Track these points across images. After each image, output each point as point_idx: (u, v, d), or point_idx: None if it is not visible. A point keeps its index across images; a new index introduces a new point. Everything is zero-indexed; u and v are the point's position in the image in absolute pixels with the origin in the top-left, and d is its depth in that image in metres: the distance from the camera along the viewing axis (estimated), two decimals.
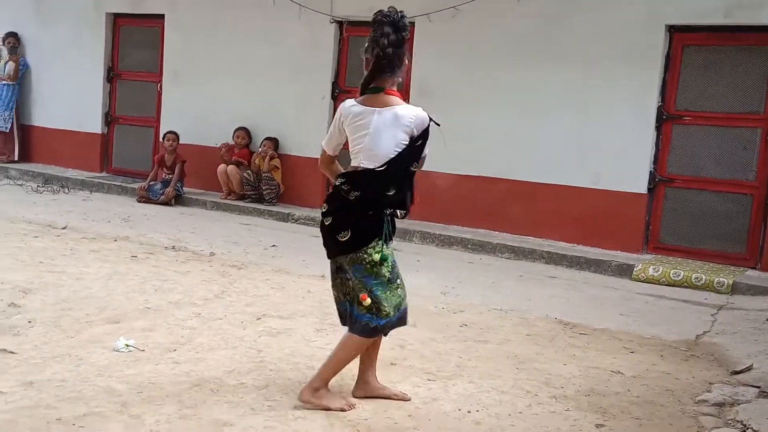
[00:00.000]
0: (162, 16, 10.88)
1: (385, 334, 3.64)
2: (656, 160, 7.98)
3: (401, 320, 3.63)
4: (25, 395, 3.42)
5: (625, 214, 8.02)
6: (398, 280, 3.58)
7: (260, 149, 9.79)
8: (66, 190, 10.42)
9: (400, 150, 3.42)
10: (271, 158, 9.67)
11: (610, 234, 8.05)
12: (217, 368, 3.96)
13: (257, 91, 10.10)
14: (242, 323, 4.82)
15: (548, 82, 8.36)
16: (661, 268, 7.21)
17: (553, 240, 8.30)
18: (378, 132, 3.42)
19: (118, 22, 11.43)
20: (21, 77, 11.90)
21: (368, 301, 3.46)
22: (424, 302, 5.75)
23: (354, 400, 3.67)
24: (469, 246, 8.24)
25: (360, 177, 3.47)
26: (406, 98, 9.11)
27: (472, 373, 4.26)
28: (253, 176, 9.78)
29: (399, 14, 3.45)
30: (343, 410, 3.54)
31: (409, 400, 3.77)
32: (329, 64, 9.58)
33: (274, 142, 9.81)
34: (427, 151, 3.55)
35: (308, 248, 7.64)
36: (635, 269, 7.30)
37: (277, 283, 5.96)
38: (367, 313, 3.49)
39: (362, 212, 3.45)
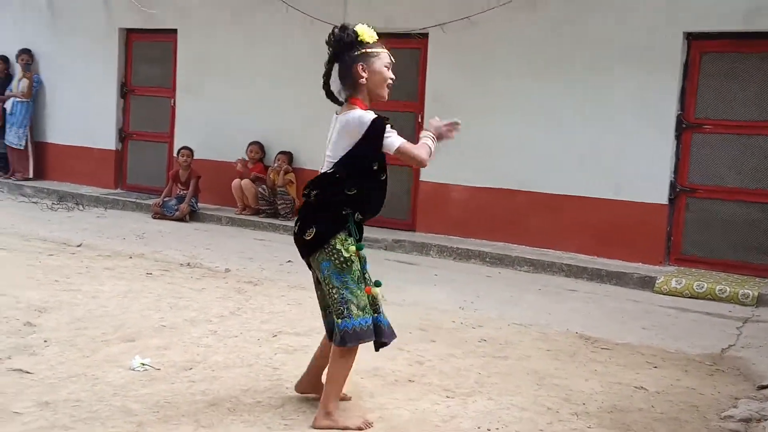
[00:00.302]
0: (174, 31, 10.91)
1: (370, 339, 3.52)
2: (676, 169, 7.88)
3: (382, 333, 3.52)
4: (41, 416, 3.37)
5: (646, 225, 7.90)
6: (363, 285, 3.50)
7: (275, 164, 9.76)
8: (80, 207, 10.42)
9: (345, 153, 3.47)
10: (286, 172, 9.63)
11: (631, 246, 7.94)
12: (233, 387, 3.90)
13: (270, 105, 10.08)
14: (258, 340, 4.75)
15: (565, 91, 8.29)
16: (683, 281, 7.09)
17: (572, 252, 8.20)
18: (332, 137, 3.56)
19: (131, 37, 11.47)
20: (35, 94, 11.95)
21: (373, 291, 3.50)
22: (442, 317, 5.68)
23: (371, 418, 3.59)
24: (488, 259, 8.15)
25: (318, 179, 3.56)
26: (420, 108, 9.19)
27: (492, 389, 4.17)
28: (268, 191, 9.74)
29: (336, 30, 3.52)
30: (360, 429, 3.47)
31: (350, 399, 3.77)
32: None
33: (288, 156, 9.78)
34: (390, 144, 3.49)
35: None
36: (657, 282, 7.19)
37: (294, 300, 5.89)
38: (340, 319, 3.44)
39: (324, 209, 3.51)
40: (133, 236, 8.43)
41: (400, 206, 9.43)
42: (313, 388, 3.78)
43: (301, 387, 3.82)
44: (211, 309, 5.43)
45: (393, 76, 3.62)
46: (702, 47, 7.77)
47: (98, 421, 3.36)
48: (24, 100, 11.79)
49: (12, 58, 12.08)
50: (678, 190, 7.88)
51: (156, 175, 11.17)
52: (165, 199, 9.98)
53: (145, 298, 5.61)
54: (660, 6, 7.82)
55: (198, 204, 10.07)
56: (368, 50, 3.52)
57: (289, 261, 7.51)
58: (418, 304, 6.10)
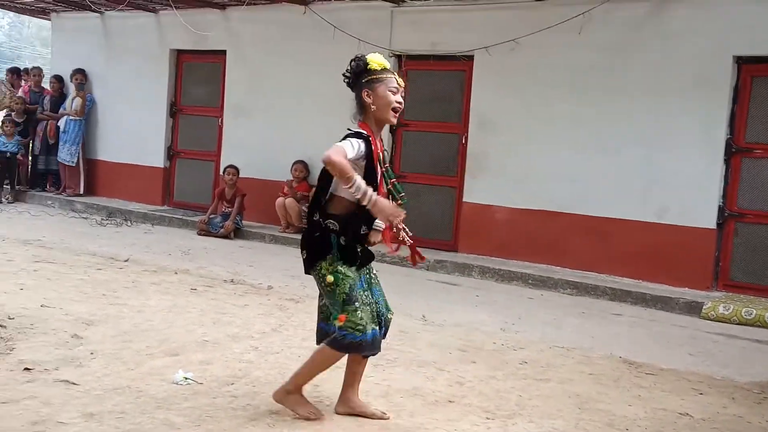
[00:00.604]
0: (224, 52, 11.11)
1: (358, 352, 3.66)
2: (725, 194, 7.76)
3: (372, 346, 3.62)
4: (86, 427, 3.43)
5: (693, 249, 7.78)
6: (357, 303, 3.58)
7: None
8: (129, 223, 10.63)
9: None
10: None
11: (678, 270, 7.81)
12: (274, 403, 3.91)
13: (315, 125, 10.18)
14: (299, 357, 4.77)
15: (612, 114, 8.23)
16: (732, 306, 6.95)
17: (617, 276, 8.10)
18: None
19: (181, 58, 11.72)
20: (87, 113, 12.25)
21: (342, 323, 3.55)
22: (483, 338, 5.64)
23: (319, 411, 3.75)
24: (530, 281, 8.09)
25: (311, 201, 3.76)
26: (464, 131, 9.20)
27: (533, 412, 4.13)
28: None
29: (351, 62, 3.73)
30: (308, 419, 3.67)
31: (388, 418, 3.80)
32: None
33: None
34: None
35: None
36: (704, 307, 7.05)
37: None
38: (335, 325, 3.59)
39: (310, 231, 3.66)
40: (179, 252, 8.56)
41: (443, 227, 9.43)
42: (351, 407, 3.83)
43: (340, 408, 3.87)
44: (253, 325, 5.48)
45: (400, 100, 3.67)
46: (752, 71, 7.66)
47: None
48: (77, 118, 12.09)
49: (66, 77, 12.42)
50: (726, 214, 7.74)
51: (202, 193, 11.35)
52: (210, 217, 10.12)
53: (189, 313, 5.68)
54: (710, 30, 7.74)
55: (242, 221, 10.19)
56: (374, 76, 3.65)
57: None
58: (460, 324, 6.07)
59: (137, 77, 11.94)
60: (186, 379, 4.12)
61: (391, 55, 9.53)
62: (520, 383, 4.63)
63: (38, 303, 5.50)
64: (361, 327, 3.55)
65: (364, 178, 3.51)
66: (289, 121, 10.44)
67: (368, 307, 3.65)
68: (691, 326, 6.70)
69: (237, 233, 10.04)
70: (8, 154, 11.90)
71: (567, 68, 8.50)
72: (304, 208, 9.83)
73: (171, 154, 11.83)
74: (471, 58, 9.09)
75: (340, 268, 3.59)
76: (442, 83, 9.51)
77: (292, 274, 7.73)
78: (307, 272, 3.72)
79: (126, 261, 7.64)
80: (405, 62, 9.62)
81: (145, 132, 11.87)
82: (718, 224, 7.75)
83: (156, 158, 11.83)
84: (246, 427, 3.58)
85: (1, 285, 5.98)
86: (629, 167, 8.15)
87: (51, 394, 3.78)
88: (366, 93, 3.65)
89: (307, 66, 10.31)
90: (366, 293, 3.69)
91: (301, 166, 10.08)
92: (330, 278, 3.57)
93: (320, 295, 3.76)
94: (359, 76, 3.69)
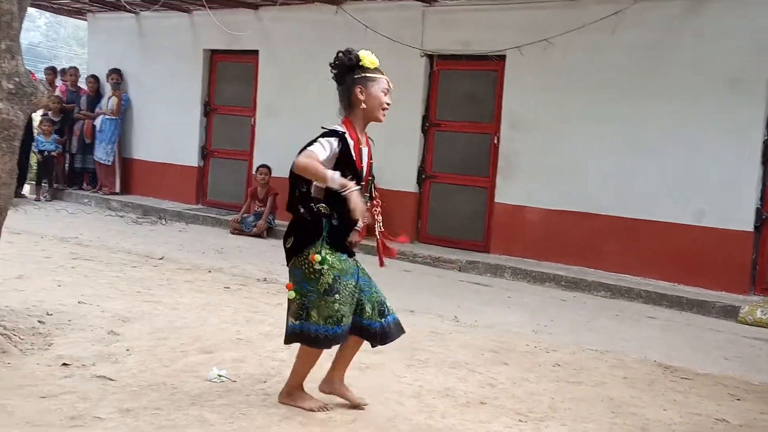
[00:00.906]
0: (256, 52, 11.19)
1: (327, 347, 3.72)
2: (763, 196, 7.63)
3: (339, 337, 3.66)
4: (122, 422, 3.48)
5: (730, 252, 7.67)
6: (337, 295, 3.61)
7: None
8: (163, 222, 10.75)
9: None
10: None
11: (714, 273, 7.71)
12: None
13: None
14: (331, 357, 4.79)
15: (647, 114, 8.15)
16: None
17: (652, 279, 8.01)
18: None
19: (214, 58, 11.82)
20: (123, 112, 12.40)
21: (292, 294, 3.64)
22: (515, 340, 5.62)
23: (326, 404, 3.83)
24: (563, 283, 8.04)
25: (300, 193, 3.75)
26: (496, 131, 9.15)
27: (565, 415, 4.10)
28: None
29: (340, 53, 3.76)
30: (312, 410, 3.75)
31: (364, 408, 3.87)
32: (419, 97, 9.61)
33: None
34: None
35: (398, 283, 7.61)
36: (741, 311, 6.95)
37: None
38: (296, 320, 3.65)
39: (301, 221, 3.68)
40: (213, 251, 8.64)
41: (474, 227, 9.40)
42: (333, 389, 3.93)
43: (323, 387, 3.96)
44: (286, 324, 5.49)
45: (389, 101, 3.73)
46: None
47: (176, 430, 3.44)
48: (113, 117, 12.24)
49: (102, 77, 12.59)
50: (764, 217, 7.62)
51: (235, 192, 11.43)
52: (243, 216, 10.20)
53: (222, 311, 5.73)
54: (746, 30, 7.63)
55: (275, 221, 10.25)
56: (368, 74, 3.69)
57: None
58: (491, 326, 6.05)
59: (171, 77, 12.06)
60: (220, 376, 4.17)
61: (422, 54, 9.52)
62: (553, 386, 4.60)
63: (76, 299, 5.59)
64: (336, 318, 3.60)
65: (341, 174, 3.54)
66: (320, 120, 10.39)
67: (349, 303, 3.67)
68: (728, 330, 6.61)
69: (270, 232, 10.10)
70: (46, 153, 12.09)
71: (600, 68, 8.43)
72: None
73: (205, 153, 11.93)
74: (503, 57, 9.05)
75: (328, 257, 3.61)
76: (473, 83, 9.48)
77: None
78: (289, 260, 3.71)
79: (160, 259, 7.73)
80: (436, 62, 9.61)
81: (180, 131, 11.99)
82: (756, 227, 7.63)
83: (190, 157, 11.94)
84: (279, 425, 3.60)
85: (39, 282, 6.08)
86: (664, 168, 8.06)
87: (88, 389, 3.84)
88: (359, 90, 3.68)
89: None
90: (353, 286, 3.69)
91: None
92: (317, 263, 3.57)
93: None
94: (351, 71, 3.71)
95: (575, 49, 8.49)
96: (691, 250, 7.87)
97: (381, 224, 3.89)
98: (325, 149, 3.55)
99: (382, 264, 3.92)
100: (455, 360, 4.94)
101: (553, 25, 8.55)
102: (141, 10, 12.25)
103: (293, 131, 10.94)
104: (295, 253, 3.68)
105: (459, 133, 9.53)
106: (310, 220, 3.64)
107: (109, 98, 12.35)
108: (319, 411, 3.77)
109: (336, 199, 3.55)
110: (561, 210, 8.68)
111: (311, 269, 3.61)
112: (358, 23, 9.85)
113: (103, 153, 12.24)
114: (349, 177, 3.54)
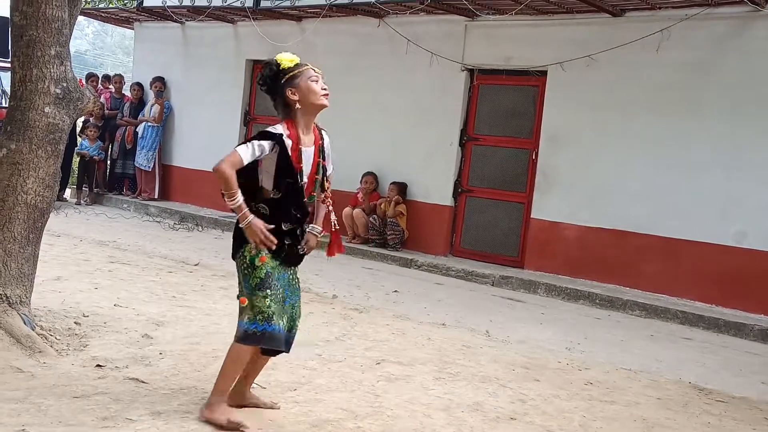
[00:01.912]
0: None
1: (267, 352, 3.67)
2: None
3: (277, 340, 3.56)
4: (152, 424, 3.51)
5: None
6: (268, 290, 3.53)
7: (388, 194, 9.89)
8: (200, 228, 10.87)
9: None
10: (397, 203, 9.74)
11: (753, 296, 7.56)
12: (335, 410, 3.95)
13: (386, 137, 10.24)
14: (361, 367, 4.80)
15: (689, 133, 8.05)
16: None
17: (689, 299, 7.89)
18: None
19: (256, 68, 11.94)
20: (165, 119, 12.59)
21: (246, 303, 3.55)
22: (548, 356, 5.56)
23: (242, 421, 3.55)
24: (597, 301, 7.95)
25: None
26: (535, 146, 9.10)
27: None
28: (378, 221, 9.87)
29: (260, 71, 3.76)
30: (222, 428, 3.50)
31: (278, 408, 3.82)
32: (458, 111, 9.61)
33: (399, 186, 9.88)
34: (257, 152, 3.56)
35: (430, 295, 7.60)
36: None
37: (398, 329, 5.92)
38: (244, 319, 3.55)
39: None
40: None
41: (510, 242, 9.35)
42: (241, 399, 3.81)
43: (230, 401, 3.75)
44: (317, 333, 5.52)
45: (324, 86, 3.75)
46: None
47: None
48: (155, 124, 12.44)
49: (147, 85, 12.80)
50: None
51: None
52: None
53: None
54: None
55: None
56: (291, 74, 3.69)
57: (396, 291, 7.56)
58: (524, 342, 6.00)
59: (214, 86, 12.22)
60: None
61: (463, 69, 9.53)
62: (585, 404, 4.55)
63: (112, 302, 5.67)
64: (266, 315, 3.51)
65: (277, 174, 3.56)
66: (359, 132, 10.51)
67: (280, 303, 3.59)
68: (766, 354, 6.47)
69: None
70: (87, 158, 12.31)
71: (644, 86, 8.35)
72: (371, 219, 9.89)
73: None
74: (544, 73, 9.02)
75: (263, 253, 3.55)
76: (513, 98, 9.45)
77: (356, 284, 7.78)
78: (233, 257, 3.68)
79: (196, 265, 7.81)
80: (477, 76, 9.60)
81: (219, 139, 12.09)
82: None
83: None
84: None
85: (77, 284, 6.18)
86: (706, 188, 7.94)
87: (120, 390, 3.89)
88: (290, 92, 3.67)
89: (380, 78, 10.37)
90: (281, 290, 3.62)
91: (371, 178, 10.14)
92: (250, 258, 3.53)
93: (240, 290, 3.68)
94: (276, 80, 3.70)
95: (618, 66, 8.43)
96: (730, 272, 7.73)
97: (335, 222, 3.88)
98: (250, 151, 3.53)
99: (330, 254, 3.96)
100: (486, 374, 4.91)
101: (596, 42, 8.50)
102: (187, 20, 12.46)
103: (333, 142, 11.02)
104: (237, 250, 3.64)
105: (497, 147, 9.50)
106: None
107: (152, 105, 12.55)
108: (232, 428, 3.52)
109: (275, 201, 3.58)
110: (598, 227, 8.60)
111: (245, 263, 3.57)
112: (400, 36, 9.90)
113: (143, 159, 12.43)
114: (287, 180, 3.57)
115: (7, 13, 4.82)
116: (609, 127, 8.56)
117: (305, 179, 3.67)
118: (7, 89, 7.79)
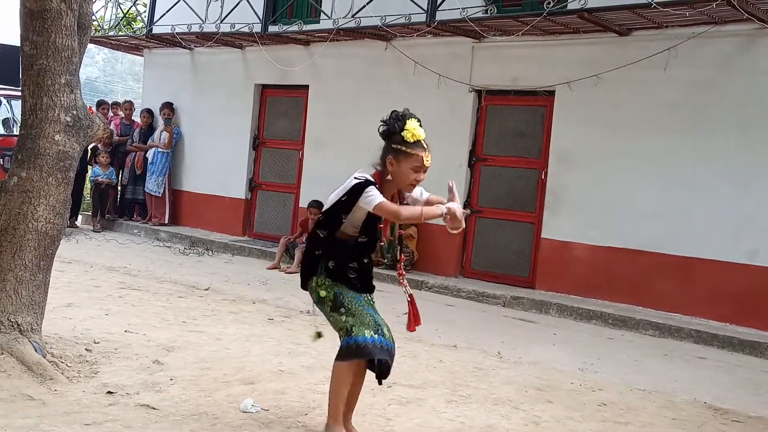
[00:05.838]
0: (306, 87, 11.35)
1: (379, 373, 3.78)
2: None
3: (375, 349, 3.67)
4: None
5: None
6: (341, 309, 3.71)
7: None
8: (210, 253, 10.88)
9: (329, 205, 3.84)
10: (407, 226, 9.71)
11: None
12: None
13: None
14: (372, 390, 4.76)
15: (698, 151, 8.03)
16: None
17: (702, 318, 7.82)
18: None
19: (265, 93, 12.02)
20: (174, 145, 12.65)
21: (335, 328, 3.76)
22: (561, 377, 5.52)
23: None
24: (610, 321, 7.89)
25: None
26: (544, 166, 9.08)
27: None
28: (388, 243, 9.84)
29: (392, 115, 3.87)
30: None
31: None
32: (467, 132, 9.62)
33: None
34: (369, 202, 3.69)
35: (441, 317, 7.57)
36: None
37: (409, 352, 5.89)
38: (342, 339, 3.72)
39: (308, 252, 3.86)
40: (257, 282, 8.70)
41: (520, 263, 9.31)
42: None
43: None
44: (328, 356, 5.47)
45: (420, 178, 3.81)
46: None
47: None
48: (164, 150, 12.50)
49: (156, 110, 12.89)
50: None
51: (281, 225, 11.53)
52: (291, 243, 10.22)
53: (265, 342, 5.75)
54: None
55: None
56: (403, 148, 3.74)
57: (406, 313, 7.50)
58: (536, 363, 5.96)
59: (223, 111, 12.29)
60: (254, 405, 4.17)
61: (471, 90, 9.55)
62: (599, 426, 4.50)
63: (122, 328, 5.67)
64: (346, 329, 3.66)
65: (366, 223, 3.76)
66: (368, 155, 10.44)
67: (358, 316, 3.70)
68: None
69: None
70: (104, 185, 12.37)
71: (652, 104, 8.35)
72: (381, 243, 9.85)
73: (252, 186, 12.09)
74: (552, 93, 9.03)
75: (328, 281, 3.74)
76: (522, 118, 9.46)
77: None
78: (303, 288, 3.88)
79: (206, 290, 7.81)
80: (485, 97, 9.62)
81: (229, 164, 12.18)
82: None
83: (238, 190, 12.10)
84: None
85: (88, 310, 6.19)
86: (717, 206, 7.91)
87: (131, 417, 3.87)
88: (390, 161, 3.77)
89: (388, 101, 10.33)
90: (357, 304, 3.75)
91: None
92: (321, 292, 3.74)
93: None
94: (391, 136, 3.79)
95: (626, 85, 8.43)
96: (743, 290, 7.67)
97: (408, 288, 4.07)
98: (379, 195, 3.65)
99: (411, 329, 4.14)
100: (498, 396, 4.87)
101: (604, 61, 8.51)
102: (196, 46, 12.56)
103: (340, 165, 11.04)
104: (302, 285, 3.88)
105: (506, 168, 9.50)
106: (311, 259, 3.81)
107: (162, 131, 12.62)
108: None
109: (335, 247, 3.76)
110: (609, 246, 8.56)
111: (316, 294, 3.77)
112: (407, 59, 9.95)
113: (153, 185, 12.48)
114: (366, 235, 3.79)
115: (17, 43, 4.86)
116: (618, 146, 8.55)
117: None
118: (18, 117, 7.86)
